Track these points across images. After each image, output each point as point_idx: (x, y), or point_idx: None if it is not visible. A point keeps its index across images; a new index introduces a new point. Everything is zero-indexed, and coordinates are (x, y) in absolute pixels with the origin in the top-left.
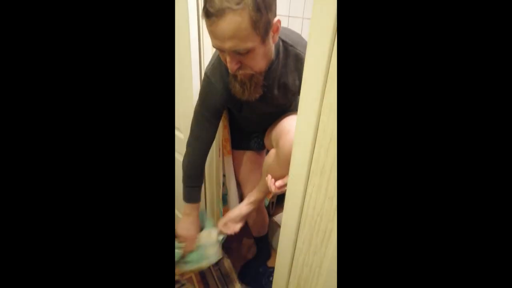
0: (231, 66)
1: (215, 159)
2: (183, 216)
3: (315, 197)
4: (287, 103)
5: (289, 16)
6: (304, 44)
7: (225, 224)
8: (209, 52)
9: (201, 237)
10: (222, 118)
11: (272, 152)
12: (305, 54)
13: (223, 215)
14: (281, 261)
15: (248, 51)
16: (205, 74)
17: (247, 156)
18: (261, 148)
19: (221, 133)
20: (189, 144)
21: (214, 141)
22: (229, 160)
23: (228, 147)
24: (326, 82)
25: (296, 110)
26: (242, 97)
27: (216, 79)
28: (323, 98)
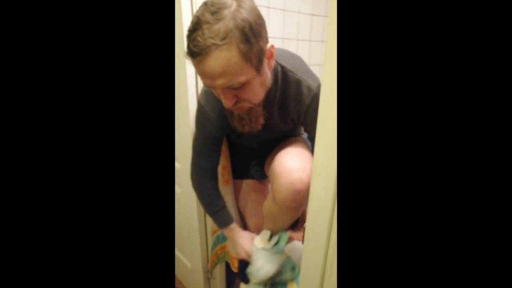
0: (226, 102)
1: None
2: (231, 241)
3: None
4: (288, 129)
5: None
6: (304, 70)
7: None
8: None
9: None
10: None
11: (271, 194)
12: (306, 80)
13: (213, 254)
14: None
15: (243, 84)
16: (198, 102)
17: (249, 185)
18: (263, 177)
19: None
20: (195, 175)
21: None
22: (228, 190)
23: (227, 175)
24: None
25: (298, 135)
26: (244, 131)
27: (210, 107)
28: None
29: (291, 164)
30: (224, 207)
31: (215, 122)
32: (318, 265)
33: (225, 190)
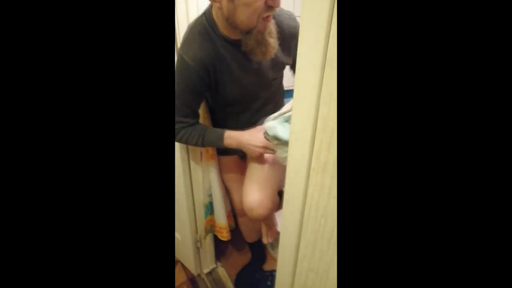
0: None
1: (201, 164)
2: (240, 147)
3: (317, 197)
4: (275, 76)
5: None
6: (281, 8)
7: None
8: None
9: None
10: (204, 119)
11: None
12: (285, 14)
13: (206, 225)
14: (283, 268)
15: None
16: (178, 53)
17: (234, 161)
18: (244, 157)
19: None
20: (180, 131)
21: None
22: (212, 165)
23: (211, 150)
24: (324, 67)
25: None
26: (257, 56)
27: (190, 57)
28: (321, 86)
29: (252, 201)
30: (207, 128)
31: (195, 72)
32: (296, 224)
33: (210, 165)
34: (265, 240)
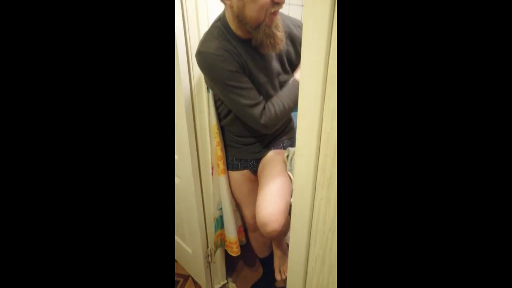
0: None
1: (211, 178)
2: None
3: (324, 211)
4: (283, 79)
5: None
6: (285, 15)
7: None
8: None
9: None
10: (215, 135)
11: None
12: (287, 19)
13: (216, 239)
14: (292, 284)
15: None
16: (207, 52)
17: (245, 175)
18: (255, 172)
19: (214, 150)
20: (256, 114)
21: (207, 159)
22: (223, 180)
23: (222, 166)
24: (325, 86)
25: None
26: (266, 48)
27: (213, 49)
28: (323, 102)
29: (266, 215)
30: (280, 92)
31: (226, 58)
32: (304, 238)
33: (221, 180)
34: (278, 277)
